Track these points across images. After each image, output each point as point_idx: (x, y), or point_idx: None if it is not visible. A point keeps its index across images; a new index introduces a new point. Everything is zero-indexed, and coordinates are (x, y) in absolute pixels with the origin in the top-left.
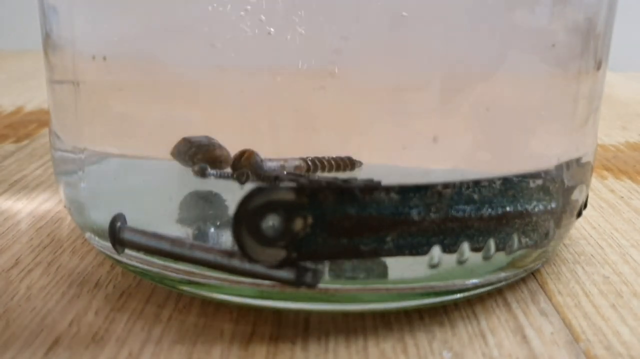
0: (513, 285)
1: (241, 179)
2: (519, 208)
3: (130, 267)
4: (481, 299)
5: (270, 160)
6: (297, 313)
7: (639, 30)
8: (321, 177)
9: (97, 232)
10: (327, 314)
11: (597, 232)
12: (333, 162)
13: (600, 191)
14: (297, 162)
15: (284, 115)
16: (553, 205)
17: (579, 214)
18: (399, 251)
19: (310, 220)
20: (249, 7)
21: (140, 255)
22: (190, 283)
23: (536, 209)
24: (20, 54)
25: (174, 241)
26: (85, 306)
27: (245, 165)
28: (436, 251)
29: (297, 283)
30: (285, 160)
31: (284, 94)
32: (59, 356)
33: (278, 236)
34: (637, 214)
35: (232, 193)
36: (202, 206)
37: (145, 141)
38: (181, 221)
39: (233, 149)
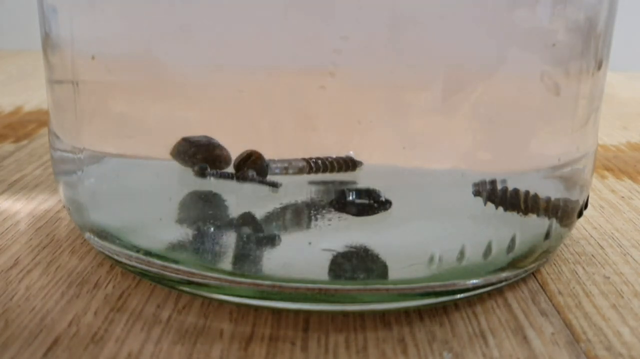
0: (513, 285)
1: (239, 179)
2: None
3: (129, 267)
4: (481, 299)
5: (273, 161)
6: (296, 313)
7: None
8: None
9: (97, 233)
10: (327, 315)
11: (597, 232)
12: (335, 163)
13: (601, 191)
14: (300, 164)
15: (283, 115)
16: None
17: (580, 214)
18: None
19: None
20: (249, 7)
21: (140, 255)
22: (189, 283)
23: None
24: (19, 53)
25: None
26: (85, 306)
27: (251, 168)
28: (436, 251)
29: None
30: (290, 162)
31: (284, 94)
32: (58, 357)
33: None
34: (637, 214)
35: (233, 193)
36: (201, 206)
37: (145, 141)
38: (180, 221)
39: (233, 149)
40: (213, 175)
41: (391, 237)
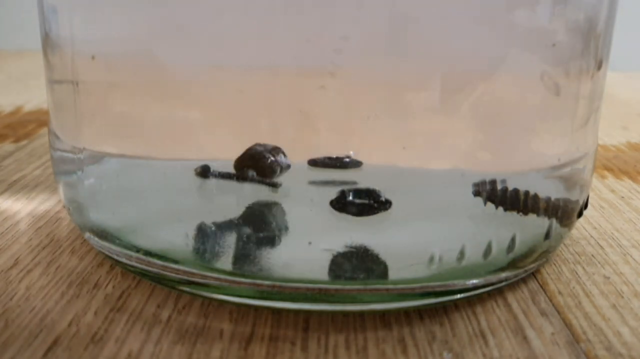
0: (513, 285)
1: (239, 179)
2: None
3: (129, 267)
4: (481, 299)
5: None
6: (296, 313)
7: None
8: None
9: (97, 233)
10: (327, 315)
11: (597, 232)
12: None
13: (600, 191)
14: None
15: (283, 115)
16: None
17: (580, 214)
18: None
19: None
20: (249, 7)
21: (140, 255)
22: (189, 283)
23: None
24: (19, 54)
25: None
26: (85, 306)
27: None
28: (436, 251)
29: None
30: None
31: (284, 94)
32: (58, 357)
33: None
34: (637, 214)
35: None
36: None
37: (145, 141)
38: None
39: (232, 149)
40: (215, 175)
41: (391, 237)
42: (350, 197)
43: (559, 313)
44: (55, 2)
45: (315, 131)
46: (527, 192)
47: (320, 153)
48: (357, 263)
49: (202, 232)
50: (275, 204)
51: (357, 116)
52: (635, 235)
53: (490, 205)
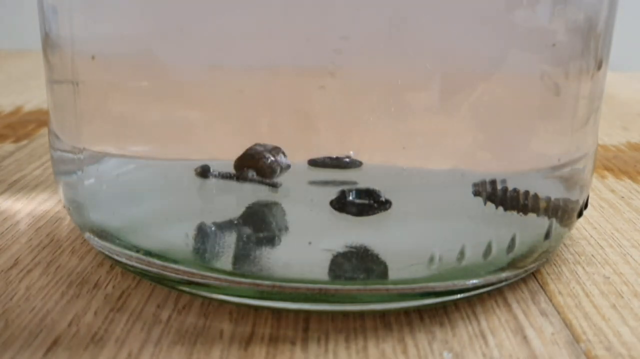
0: (513, 285)
1: (239, 179)
2: None
3: (129, 267)
4: (481, 299)
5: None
6: (296, 313)
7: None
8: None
9: (97, 233)
10: (327, 315)
11: (597, 232)
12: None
13: (600, 191)
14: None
15: (283, 115)
16: None
17: (580, 214)
18: None
19: None
20: (249, 7)
21: (140, 255)
22: (189, 283)
23: None
24: (19, 54)
25: None
26: (85, 306)
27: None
28: (436, 251)
29: None
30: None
31: (284, 94)
32: (58, 357)
33: None
34: (637, 214)
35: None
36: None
37: (145, 141)
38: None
39: (232, 149)
40: (215, 176)
41: (391, 237)
42: (350, 197)
43: (559, 313)
44: (55, 2)
45: (315, 131)
46: (527, 192)
47: (320, 153)
48: (357, 263)
49: (202, 232)
50: (275, 204)
51: (357, 116)
52: (635, 235)
53: (490, 205)
